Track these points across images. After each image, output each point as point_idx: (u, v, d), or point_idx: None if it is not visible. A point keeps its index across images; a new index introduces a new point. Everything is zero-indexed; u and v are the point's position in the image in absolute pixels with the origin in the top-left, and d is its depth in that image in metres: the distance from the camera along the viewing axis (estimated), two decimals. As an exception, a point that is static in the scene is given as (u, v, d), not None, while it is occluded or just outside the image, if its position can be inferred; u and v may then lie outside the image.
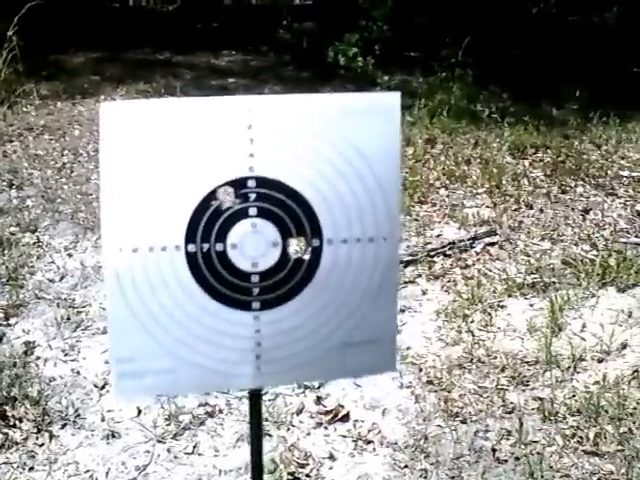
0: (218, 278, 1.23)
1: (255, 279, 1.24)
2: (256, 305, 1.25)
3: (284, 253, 1.24)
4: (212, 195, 1.21)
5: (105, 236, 1.20)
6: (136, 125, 1.19)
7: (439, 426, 2.53)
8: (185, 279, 1.22)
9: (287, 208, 1.23)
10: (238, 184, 1.21)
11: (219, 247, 1.22)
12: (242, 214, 1.22)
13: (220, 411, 2.58)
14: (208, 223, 1.21)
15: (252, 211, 1.22)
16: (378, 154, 1.24)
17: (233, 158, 1.21)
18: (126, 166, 1.19)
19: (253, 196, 1.22)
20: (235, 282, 1.24)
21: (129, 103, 1.22)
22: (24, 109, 6.56)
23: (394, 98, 1.26)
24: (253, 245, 1.23)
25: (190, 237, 1.21)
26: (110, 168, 1.19)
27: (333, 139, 1.23)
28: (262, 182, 1.22)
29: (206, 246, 1.22)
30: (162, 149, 1.19)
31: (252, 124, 1.21)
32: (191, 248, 1.21)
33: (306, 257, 1.25)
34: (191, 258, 1.22)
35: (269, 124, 1.22)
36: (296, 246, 1.25)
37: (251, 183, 1.21)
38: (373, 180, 1.25)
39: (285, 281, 1.25)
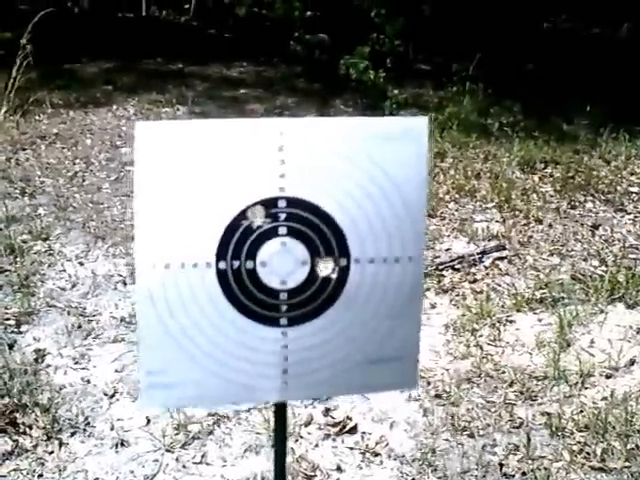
0: (247, 295, 1.26)
1: (283, 296, 1.27)
2: (284, 321, 1.27)
3: (312, 272, 1.26)
4: (243, 214, 1.23)
5: (138, 252, 1.23)
6: (170, 145, 1.22)
7: (447, 440, 2.53)
8: (215, 295, 1.25)
9: (316, 228, 1.25)
10: (269, 204, 1.24)
11: (249, 265, 1.25)
12: (272, 233, 1.25)
13: (228, 418, 2.59)
14: (239, 241, 1.24)
15: (282, 230, 1.25)
16: (406, 177, 1.27)
17: (264, 178, 1.23)
18: (159, 184, 1.22)
19: (283, 216, 1.24)
20: (264, 299, 1.26)
21: (164, 123, 1.25)
22: (37, 117, 6.62)
23: (422, 123, 1.29)
24: (282, 263, 1.26)
25: (221, 254, 1.24)
26: (144, 186, 1.22)
27: (362, 162, 1.26)
28: (292, 202, 1.24)
29: (236, 263, 1.24)
30: (195, 168, 1.22)
31: (283, 146, 1.24)
32: (222, 265, 1.24)
33: (333, 276, 1.27)
34: (221, 275, 1.24)
35: (300, 146, 1.25)
36: (324, 265, 1.27)
37: (281, 203, 1.24)
38: (400, 202, 1.27)
39: (312, 299, 1.27)
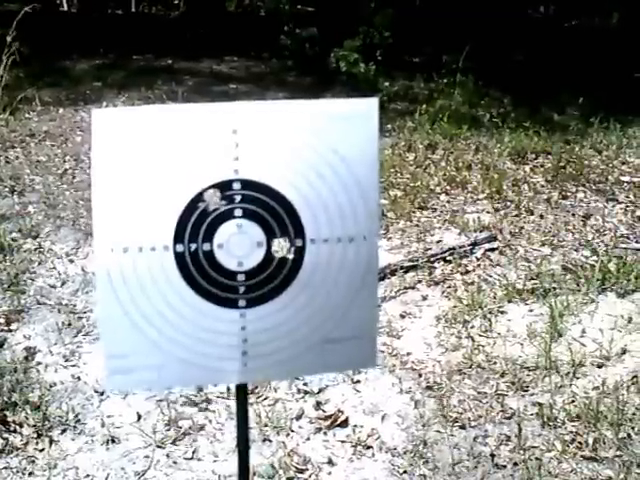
0: (205, 277, 1.27)
1: (241, 278, 1.28)
2: (242, 303, 1.29)
3: (269, 253, 1.28)
4: (199, 197, 1.25)
5: (97, 237, 1.24)
6: (126, 130, 1.23)
7: (438, 431, 2.53)
8: (173, 278, 1.26)
9: (271, 209, 1.27)
10: (224, 186, 1.26)
11: (206, 247, 1.26)
12: (228, 215, 1.26)
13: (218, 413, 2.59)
14: (195, 224, 1.25)
15: (237, 212, 1.27)
16: (357, 157, 1.29)
17: (219, 161, 1.25)
18: (117, 170, 1.23)
19: (238, 198, 1.26)
20: (222, 281, 1.28)
21: (119, 110, 1.26)
22: (26, 115, 6.59)
23: (372, 103, 1.30)
24: (239, 245, 1.27)
25: (178, 237, 1.25)
26: (101, 171, 1.23)
27: (314, 143, 1.27)
28: (247, 184, 1.26)
29: (194, 246, 1.26)
30: (151, 153, 1.24)
31: (237, 129, 1.25)
32: (179, 248, 1.25)
33: (290, 256, 1.29)
34: (179, 258, 1.26)
35: (253, 129, 1.26)
36: (280, 246, 1.27)
37: (236, 185, 1.26)
38: (353, 182, 1.29)
39: (270, 279, 1.29)
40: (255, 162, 1.26)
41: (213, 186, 1.25)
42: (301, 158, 1.27)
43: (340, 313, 1.33)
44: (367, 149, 1.29)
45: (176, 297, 1.26)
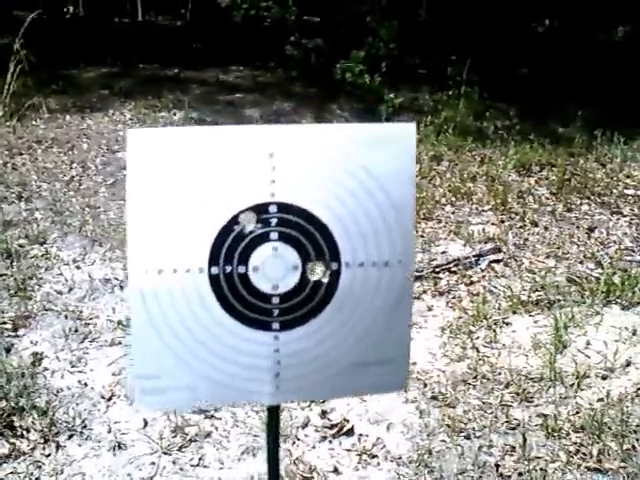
0: (240, 299, 1.27)
1: (275, 301, 1.28)
2: (276, 326, 1.29)
3: (303, 276, 1.28)
4: (235, 220, 1.25)
5: (131, 258, 1.24)
6: (162, 152, 1.23)
7: (443, 441, 2.54)
8: (208, 300, 1.26)
9: (307, 233, 1.27)
10: (260, 209, 1.25)
11: (241, 270, 1.26)
12: (264, 238, 1.26)
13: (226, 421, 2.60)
14: (231, 247, 1.25)
15: (273, 235, 1.26)
16: (394, 182, 1.29)
17: (255, 184, 1.25)
18: (152, 191, 1.23)
19: (274, 221, 1.26)
20: (256, 303, 1.27)
21: (155, 130, 1.26)
22: (33, 122, 6.62)
23: (410, 129, 1.30)
24: (274, 268, 1.27)
25: (213, 260, 1.25)
26: (136, 192, 1.23)
27: (351, 167, 1.27)
28: (283, 207, 1.26)
29: (229, 268, 1.25)
30: (187, 175, 1.24)
31: (273, 152, 1.25)
32: (214, 270, 1.25)
33: (324, 280, 1.28)
34: (214, 280, 1.25)
35: (290, 152, 1.26)
36: (315, 269, 1.28)
37: (272, 208, 1.25)
38: (389, 206, 1.29)
39: (304, 303, 1.29)
40: (291, 185, 1.25)
41: (249, 209, 1.24)
42: (337, 182, 1.27)
43: (374, 337, 1.32)
44: (404, 174, 1.29)
45: (210, 319, 1.26)
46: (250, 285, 1.26)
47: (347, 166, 1.27)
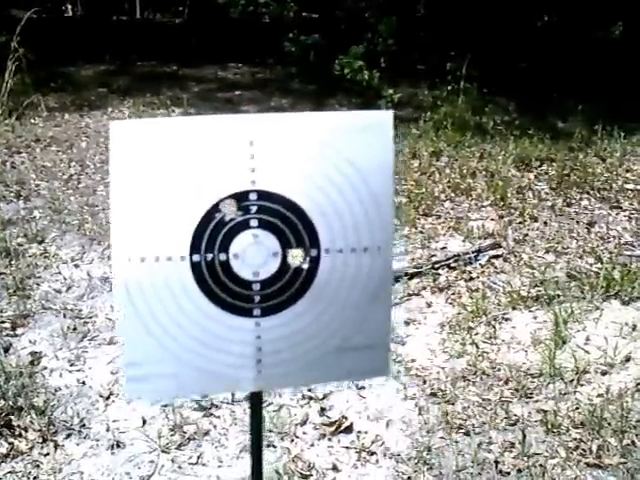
0: (221, 286, 1.28)
1: (256, 287, 1.29)
2: (257, 312, 1.30)
3: (284, 262, 1.29)
4: (215, 208, 1.26)
5: (114, 246, 1.25)
6: (144, 142, 1.24)
7: (442, 438, 2.53)
8: (189, 287, 1.27)
9: (287, 220, 1.28)
10: (240, 197, 1.26)
11: (222, 257, 1.27)
12: (244, 226, 1.27)
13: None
14: (212, 234, 1.26)
15: (253, 223, 1.27)
16: (372, 168, 1.30)
17: (235, 172, 1.26)
18: (135, 181, 1.24)
19: (254, 208, 1.27)
20: (237, 290, 1.29)
21: (138, 121, 1.27)
22: (32, 121, 6.62)
23: (387, 115, 1.31)
24: (254, 255, 1.28)
25: (195, 248, 1.26)
26: (120, 182, 1.24)
27: (330, 154, 1.28)
28: (263, 195, 1.27)
29: (210, 256, 1.27)
30: (169, 164, 1.25)
31: (253, 140, 1.26)
32: (195, 258, 1.26)
33: (304, 266, 1.30)
34: (195, 267, 1.26)
35: (269, 140, 1.27)
36: (295, 256, 1.28)
37: (252, 196, 1.27)
38: (368, 193, 1.30)
39: (285, 289, 1.30)
40: (271, 173, 1.27)
41: (229, 197, 1.26)
42: (316, 169, 1.28)
43: (354, 322, 1.34)
44: (382, 161, 1.30)
45: (192, 306, 1.27)
46: (231, 272, 1.28)
47: (326, 153, 1.28)
